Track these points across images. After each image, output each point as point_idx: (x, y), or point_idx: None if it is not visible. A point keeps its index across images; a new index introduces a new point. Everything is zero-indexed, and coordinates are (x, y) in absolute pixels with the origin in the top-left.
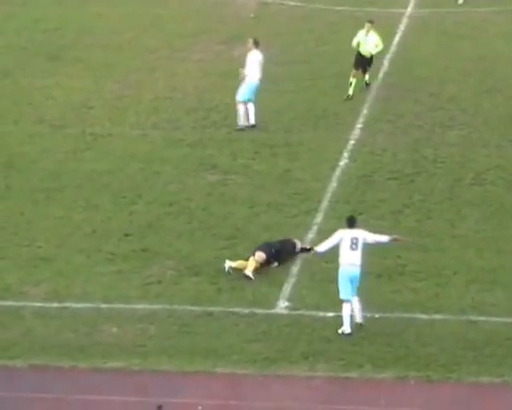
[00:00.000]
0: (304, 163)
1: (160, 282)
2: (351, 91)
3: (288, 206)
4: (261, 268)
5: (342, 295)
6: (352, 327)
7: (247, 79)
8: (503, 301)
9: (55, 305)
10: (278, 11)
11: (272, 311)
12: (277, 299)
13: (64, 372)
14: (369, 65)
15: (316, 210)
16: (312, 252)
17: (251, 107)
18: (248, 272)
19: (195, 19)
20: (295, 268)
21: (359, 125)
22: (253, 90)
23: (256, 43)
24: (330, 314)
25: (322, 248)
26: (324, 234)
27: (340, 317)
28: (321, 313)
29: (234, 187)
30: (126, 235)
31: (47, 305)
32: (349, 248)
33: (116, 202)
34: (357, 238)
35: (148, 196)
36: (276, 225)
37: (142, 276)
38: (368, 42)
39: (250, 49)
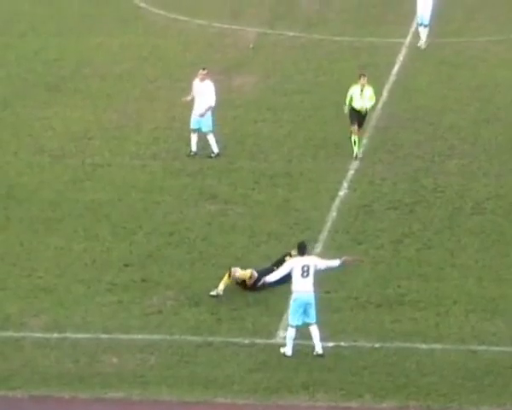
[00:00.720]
0: (303, 193)
1: (160, 312)
2: (356, 149)
3: (288, 236)
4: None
5: (290, 321)
6: (292, 350)
7: (205, 108)
8: (504, 330)
9: (55, 335)
10: (277, 41)
11: (272, 341)
12: (277, 329)
13: (64, 403)
14: (364, 121)
15: (315, 240)
16: (261, 283)
17: (212, 137)
18: (218, 289)
19: (195, 49)
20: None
21: (359, 155)
22: (213, 120)
23: (208, 73)
24: (330, 344)
25: (271, 278)
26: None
27: (340, 346)
28: (321, 343)
29: (234, 217)
30: (126, 265)
31: (47, 335)
32: (300, 276)
33: (116, 233)
34: (308, 265)
35: (148, 226)
36: (276, 255)
37: (142, 306)
38: (364, 96)
39: (203, 79)
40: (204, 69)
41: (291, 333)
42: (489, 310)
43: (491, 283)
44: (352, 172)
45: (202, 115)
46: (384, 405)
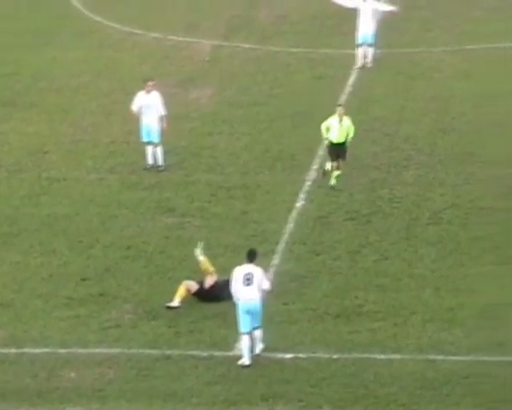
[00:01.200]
0: (260, 205)
1: (118, 326)
2: (333, 181)
3: (246, 248)
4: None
5: (241, 329)
6: (250, 359)
7: (152, 119)
8: (461, 339)
9: (13, 350)
10: (233, 54)
11: (230, 353)
12: (235, 341)
13: None
14: (345, 155)
15: (273, 252)
16: (220, 285)
17: (160, 149)
18: (174, 302)
19: (150, 62)
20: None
21: (315, 166)
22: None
23: (155, 85)
24: (288, 356)
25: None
26: (282, 276)
27: (299, 358)
28: (279, 355)
29: (191, 230)
30: (84, 279)
31: (5, 351)
32: (242, 284)
33: (73, 247)
34: (251, 274)
35: (106, 239)
36: (233, 267)
37: (100, 320)
38: (342, 128)
39: (150, 91)
40: (151, 80)
41: (245, 341)
42: (446, 320)
43: (448, 292)
44: (308, 183)
45: (162, 128)
46: None
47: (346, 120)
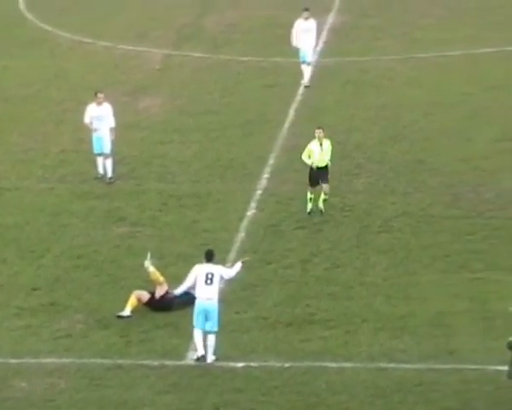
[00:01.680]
0: (212, 214)
1: (69, 335)
2: (310, 207)
3: (197, 256)
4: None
5: (194, 324)
6: (203, 349)
7: (103, 131)
8: (413, 347)
9: None
10: (183, 62)
11: (182, 362)
12: (187, 350)
13: None
14: (327, 177)
15: (224, 260)
16: (171, 295)
17: (111, 160)
18: (125, 311)
19: (100, 71)
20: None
21: (266, 175)
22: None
23: (105, 97)
24: (240, 365)
25: (180, 289)
26: (233, 284)
27: (250, 367)
28: (231, 364)
29: (142, 239)
30: (34, 289)
31: None
32: (204, 283)
33: (23, 257)
34: (212, 273)
35: (56, 249)
36: (185, 276)
37: (51, 330)
38: (324, 151)
39: (101, 103)
40: (101, 93)
41: (197, 335)
42: (398, 328)
43: (399, 301)
44: (259, 192)
45: (113, 140)
46: None
47: (327, 143)
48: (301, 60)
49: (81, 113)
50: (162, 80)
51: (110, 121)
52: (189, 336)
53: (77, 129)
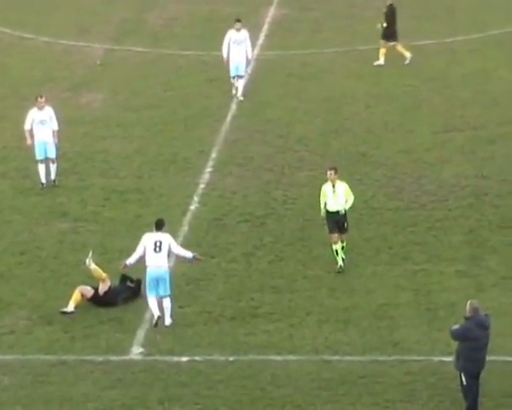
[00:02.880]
0: (155, 208)
1: (12, 332)
2: (340, 261)
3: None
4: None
5: (148, 292)
6: (159, 311)
7: (53, 135)
8: (357, 339)
9: None
10: (125, 57)
11: (127, 357)
12: (131, 345)
13: None
14: (347, 225)
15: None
16: (124, 266)
17: (55, 165)
18: (69, 307)
19: (42, 66)
20: (148, 313)
21: (209, 169)
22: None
23: (46, 100)
24: (185, 359)
25: (131, 259)
26: (177, 279)
27: (195, 360)
28: (175, 358)
29: (85, 234)
30: None
31: None
32: (153, 251)
33: None
34: (161, 241)
35: None
36: (128, 271)
37: None
38: (337, 195)
39: (43, 107)
40: (42, 97)
41: (151, 301)
42: (342, 320)
43: (343, 293)
44: (202, 186)
45: (57, 144)
46: None
47: (341, 186)
48: (232, 74)
49: (22, 109)
50: (104, 75)
51: (53, 124)
52: (133, 331)
53: (18, 125)
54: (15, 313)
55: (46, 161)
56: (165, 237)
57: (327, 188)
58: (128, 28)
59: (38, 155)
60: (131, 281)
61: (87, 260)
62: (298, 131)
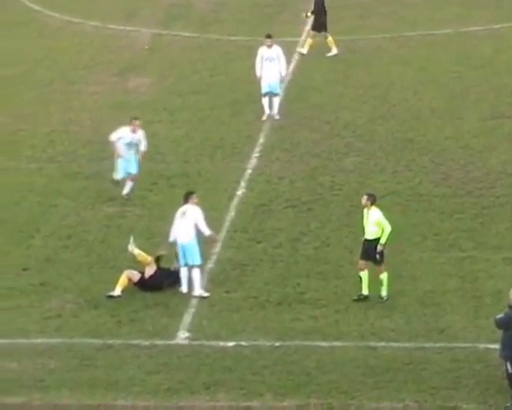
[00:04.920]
0: (201, 193)
1: (59, 316)
2: (363, 290)
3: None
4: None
5: (179, 262)
6: (186, 286)
7: (131, 155)
8: (402, 325)
9: None
10: (172, 42)
11: (173, 342)
12: (177, 330)
13: None
14: (379, 257)
15: (215, 240)
16: (164, 249)
17: (133, 183)
18: (115, 291)
19: (89, 51)
20: (195, 299)
21: (256, 154)
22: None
23: (139, 124)
24: (230, 344)
25: (170, 237)
26: (223, 264)
27: (240, 346)
28: (221, 343)
29: (132, 219)
30: (24, 269)
31: None
32: (179, 222)
33: (13, 237)
34: (185, 212)
35: (46, 229)
36: (175, 256)
37: (41, 310)
38: (369, 221)
39: (136, 131)
40: (137, 119)
41: (182, 272)
42: (388, 307)
43: (389, 279)
44: (249, 171)
45: (139, 161)
46: (285, 403)
47: (374, 213)
48: (263, 91)
49: (70, 93)
50: (151, 60)
51: (142, 146)
52: (179, 316)
53: (66, 109)
54: (62, 297)
55: (128, 176)
56: (191, 209)
57: (363, 212)
58: (176, 13)
59: (120, 174)
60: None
61: (129, 247)
62: (345, 116)
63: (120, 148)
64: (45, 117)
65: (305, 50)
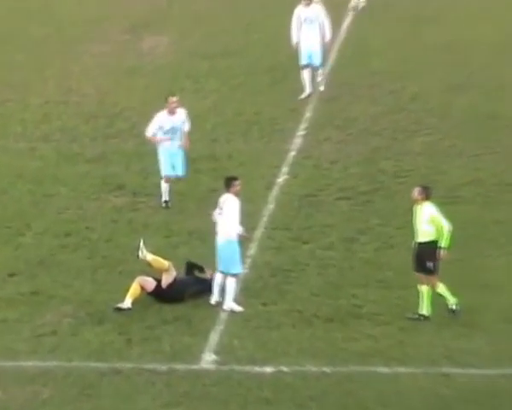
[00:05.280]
0: None
1: (54, 333)
2: (422, 309)
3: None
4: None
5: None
6: (219, 295)
7: (176, 146)
8: (484, 348)
9: None
10: None
11: (196, 366)
12: (202, 351)
13: None
14: (431, 266)
15: (249, 239)
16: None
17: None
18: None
19: (94, 2)
20: (224, 313)
21: (301, 133)
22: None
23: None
24: (268, 369)
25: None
26: (260, 269)
27: (281, 372)
28: (257, 368)
29: (145, 212)
30: (11, 275)
31: None
32: (217, 214)
33: None
34: (222, 205)
35: (39, 225)
36: (198, 258)
37: (32, 326)
38: (420, 219)
39: (174, 111)
40: (174, 96)
41: (216, 278)
42: (466, 324)
43: (467, 290)
44: (293, 153)
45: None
46: None
47: (428, 208)
48: (303, 63)
49: (69, 55)
50: (170, 15)
51: (186, 126)
52: (205, 334)
53: (64, 75)
54: (58, 310)
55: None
56: (230, 200)
57: (414, 209)
58: None
59: (165, 171)
60: (200, 270)
61: (139, 253)
62: (412, 86)
63: (164, 140)
64: (38, 85)
65: (363, 2)
